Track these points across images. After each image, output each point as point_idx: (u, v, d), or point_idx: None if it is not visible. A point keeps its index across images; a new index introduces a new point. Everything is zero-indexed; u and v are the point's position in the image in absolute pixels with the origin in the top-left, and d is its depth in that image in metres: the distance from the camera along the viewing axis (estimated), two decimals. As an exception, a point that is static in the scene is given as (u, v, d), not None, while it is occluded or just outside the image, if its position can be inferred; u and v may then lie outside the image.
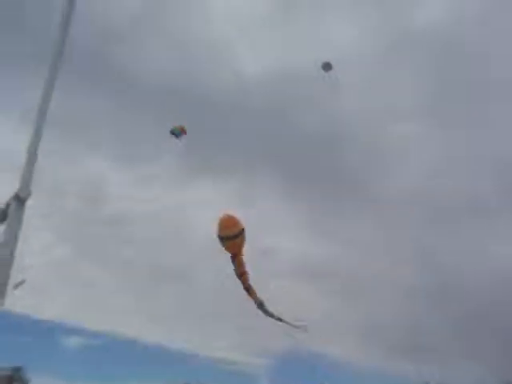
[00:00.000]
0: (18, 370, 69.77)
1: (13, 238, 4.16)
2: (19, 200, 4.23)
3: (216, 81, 30.09)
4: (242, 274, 9.86)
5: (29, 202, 4.26)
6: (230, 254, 9.74)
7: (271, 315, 10.13)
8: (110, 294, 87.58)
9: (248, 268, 9.97)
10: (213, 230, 9.75)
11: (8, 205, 4.28)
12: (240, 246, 9.66)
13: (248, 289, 9.92)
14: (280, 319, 10.23)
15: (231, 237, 9.45)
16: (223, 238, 9.49)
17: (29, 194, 4.27)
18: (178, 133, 15.56)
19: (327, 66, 17.83)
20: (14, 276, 4.24)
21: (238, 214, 9.85)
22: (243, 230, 9.57)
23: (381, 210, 35.15)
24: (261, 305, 9.95)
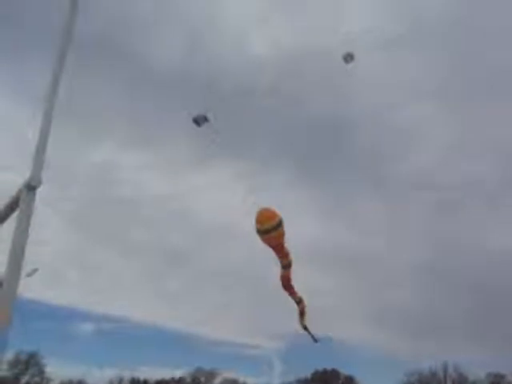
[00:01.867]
0: (33, 355, 70.83)
1: (24, 226, 4.15)
2: (30, 188, 4.21)
3: (228, 63, 29.97)
4: (288, 280, 9.80)
5: (40, 190, 4.25)
6: (272, 249, 9.65)
7: (308, 331, 10.11)
8: (121, 277, 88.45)
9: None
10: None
11: (19, 193, 4.27)
12: (279, 237, 9.53)
13: (288, 287, 9.88)
14: (314, 339, 10.26)
15: (269, 230, 9.35)
16: (261, 232, 9.40)
17: (40, 182, 4.25)
18: (200, 121, 15.59)
19: (349, 57, 17.69)
20: (27, 264, 4.24)
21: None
22: (281, 221, 9.45)
23: (393, 192, 35.17)
24: (301, 312, 9.91)
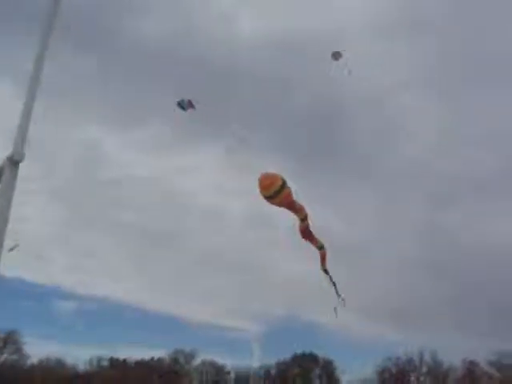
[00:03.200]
0: (12, 332, 70.53)
1: (6, 201, 4.17)
2: (12, 162, 4.23)
3: (216, 47, 29.80)
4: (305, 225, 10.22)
5: (22, 165, 4.26)
6: (287, 208, 10.01)
7: (328, 274, 10.61)
8: (105, 258, 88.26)
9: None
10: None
11: (1, 167, 4.27)
12: (287, 197, 9.84)
13: (308, 237, 10.35)
14: (333, 283, 10.72)
15: (275, 193, 9.66)
16: (269, 197, 9.72)
17: (22, 157, 4.26)
18: (184, 106, 15.73)
19: (337, 55, 17.95)
20: (8, 239, 4.26)
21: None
22: (284, 182, 9.75)
23: (382, 183, 35.34)
24: (323, 258, 10.44)
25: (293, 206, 9.93)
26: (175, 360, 75.83)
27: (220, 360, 75.80)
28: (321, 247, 10.50)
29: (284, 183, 9.62)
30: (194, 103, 15.94)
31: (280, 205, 9.82)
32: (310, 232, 10.39)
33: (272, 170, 9.85)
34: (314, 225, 10.19)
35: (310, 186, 37.60)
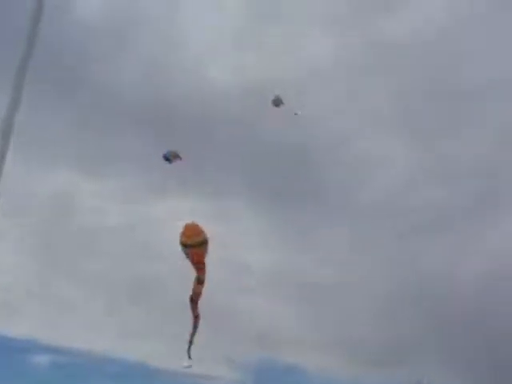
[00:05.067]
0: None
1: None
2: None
3: (187, 93, 29.96)
4: (197, 294, 10.12)
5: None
6: (193, 264, 10.00)
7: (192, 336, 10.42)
8: (79, 309, 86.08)
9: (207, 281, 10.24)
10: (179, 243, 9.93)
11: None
12: (203, 255, 9.95)
13: (195, 302, 10.20)
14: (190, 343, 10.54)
15: (195, 245, 9.74)
16: (187, 246, 9.76)
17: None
18: (170, 157, 15.76)
19: (277, 101, 18.23)
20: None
21: (208, 228, 10.05)
22: (207, 240, 9.88)
23: (355, 221, 35.38)
24: (195, 322, 10.25)
25: (202, 266, 10.00)
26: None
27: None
28: (196, 316, 10.37)
29: (206, 240, 9.79)
30: (179, 154, 15.98)
31: (193, 258, 9.87)
32: (199, 298, 10.32)
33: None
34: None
35: (282, 225, 37.78)
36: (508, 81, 30.35)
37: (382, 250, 35.10)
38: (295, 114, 19.48)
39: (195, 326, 10.30)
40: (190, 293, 10.28)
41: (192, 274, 10.07)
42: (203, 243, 9.67)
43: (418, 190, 35.10)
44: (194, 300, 10.26)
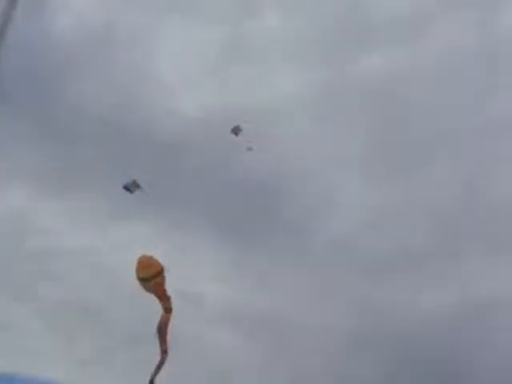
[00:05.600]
0: None
1: None
2: None
3: (155, 120, 29.92)
4: (164, 326, 9.87)
5: None
6: (156, 295, 9.87)
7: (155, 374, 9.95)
8: (30, 337, 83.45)
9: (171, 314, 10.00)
10: (135, 271, 9.79)
11: None
12: (162, 284, 9.87)
13: (163, 334, 9.89)
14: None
15: (151, 277, 9.67)
16: (143, 279, 9.67)
17: None
18: (131, 187, 15.75)
19: (236, 130, 18.52)
20: None
21: (166, 257, 9.99)
22: (162, 269, 9.84)
23: (313, 259, 35.46)
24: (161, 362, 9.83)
25: (164, 294, 9.90)
26: None
27: None
28: (165, 351, 10.02)
29: (162, 269, 9.73)
30: (139, 184, 15.95)
31: (152, 289, 9.79)
32: (167, 328, 10.09)
33: (150, 255, 9.90)
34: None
35: (240, 259, 37.72)
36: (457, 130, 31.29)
37: (340, 289, 35.18)
38: (248, 148, 19.72)
39: (161, 362, 9.78)
40: (157, 323, 10.03)
41: (148, 301, 9.92)
42: (160, 273, 9.60)
43: (377, 230, 35.45)
44: (163, 330, 9.97)
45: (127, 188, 15.61)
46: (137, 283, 9.85)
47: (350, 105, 31.78)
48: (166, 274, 9.91)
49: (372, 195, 35.84)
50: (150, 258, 9.99)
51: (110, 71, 32.11)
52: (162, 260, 9.94)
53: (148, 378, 9.73)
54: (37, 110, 32.06)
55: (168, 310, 10.08)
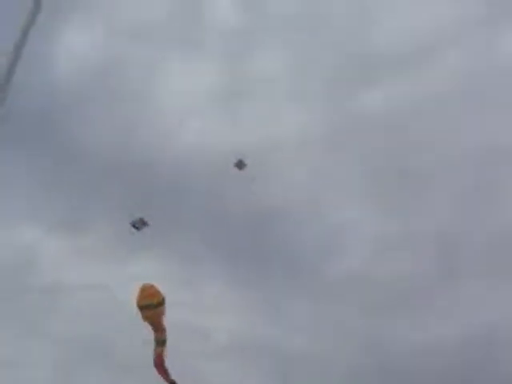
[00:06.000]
0: None
1: None
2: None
3: (158, 157, 30.26)
4: (158, 356, 9.73)
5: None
6: (151, 325, 9.70)
7: None
8: (39, 372, 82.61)
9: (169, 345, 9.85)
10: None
11: None
12: (160, 315, 9.68)
13: (160, 366, 9.75)
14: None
15: (151, 306, 9.47)
16: (143, 308, 9.48)
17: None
18: (138, 225, 15.94)
19: (240, 164, 18.63)
20: None
21: (172, 292, 9.85)
22: (163, 299, 9.63)
23: (320, 292, 35.39)
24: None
25: (160, 326, 9.74)
26: None
27: None
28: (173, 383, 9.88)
29: (163, 301, 9.57)
30: (146, 221, 16.13)
31: (151, 319, 9.63)
32: (164, 362, 9.93)
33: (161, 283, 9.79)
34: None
35: (248, 291, 37.56)
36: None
37: (348, 322, 35.03)
38: (252, 179, 19.92)
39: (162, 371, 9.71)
40: (154, 357, 9.87)
41: (152, 337, 9.75)
42: (160, 304, 9.44)
43: (385, 263, 35.44)
44: (158, 364, 9.82)
45: (134, 225, 15.81)
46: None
47: (353, 140, 32.23)
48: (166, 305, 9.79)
49: (381, 227, 36.02)
50: (152, 286, 9.83)
51: (112, 110, 32.65)
52: (165, 292, 9.82)
53: None
54: (44, 150, 32.52)
55: (161, 342, 9.89)
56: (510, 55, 30.88)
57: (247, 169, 19.28)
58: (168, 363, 9.84)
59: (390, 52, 31.07)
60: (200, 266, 32.94)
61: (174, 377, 9.79)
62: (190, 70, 31.98)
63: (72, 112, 32.99)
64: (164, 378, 9.71)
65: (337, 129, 31.37)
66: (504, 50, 31.17)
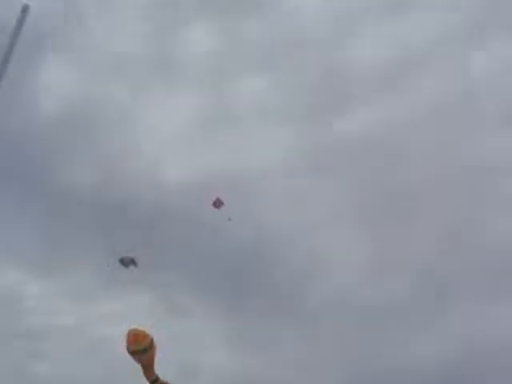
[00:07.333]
0: None
1: None
2: None
3: (142, 192, 30.14)
4: None
5: None
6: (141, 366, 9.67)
7: None
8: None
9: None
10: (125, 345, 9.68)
11: None
12: (152, 357, 9.58)
13: None
14: None
15: (142, 350, 9.39)
16: (134, 353, 9.39)
17: None
18: (127, 263, 15.87)
19: (218, 202, 18.75)
20: None
21: (159, 327, 9.92)
22: (152, 340, 9.55)
23: (306, 322, 35.22)
24: None
25: (152, 366, 9.63)
26: None
27: None
28: None
29: (152, 342, 9.47)
30: (135, 261, 16.07)
31: (143, 361, 9.54)
32: None
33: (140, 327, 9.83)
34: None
35: (234, 325, 37.25)
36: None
37: (334, 348, 34.83)
38: (229, 219, 20.02)
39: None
40: None
41: (140, 378, 9.74)
42: (148, 349, 9.32)
43: (368, 287, 35.43)
44: None
45: (123, 262, 15.69)
46: (128, 356, 9.67)
47: (335, 166, 32.40)
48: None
49: (362, 253, 36.06)
50: (140, 330, 9.75)
51: (92, 147, 32.50)
52: (152, 331, 9.84)
53: None
54: (26, 190, 32.23)
55: (155, 380, 9.80)
56: (480, 79, 31.45)
57: (225, 205, 19.40)
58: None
59: (366, 74, 31.46)
60: (182, 298, 32.67)
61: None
62: (168, 102, 32.10)
63: (50, 151, 32.86)
64: None
65: (318, 154, 31.63)
66: (474, 73, 31.74)
